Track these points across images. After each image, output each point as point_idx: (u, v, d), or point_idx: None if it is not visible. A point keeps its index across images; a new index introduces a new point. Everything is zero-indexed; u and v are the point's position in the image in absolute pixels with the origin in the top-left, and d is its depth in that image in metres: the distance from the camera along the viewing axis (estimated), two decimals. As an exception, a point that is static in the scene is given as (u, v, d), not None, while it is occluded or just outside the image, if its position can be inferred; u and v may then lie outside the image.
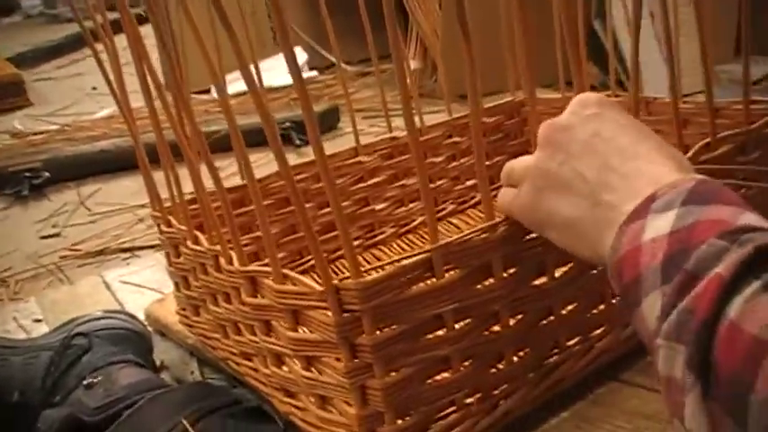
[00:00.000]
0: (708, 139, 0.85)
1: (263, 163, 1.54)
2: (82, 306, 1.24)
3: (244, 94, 2.05)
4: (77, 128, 2.45)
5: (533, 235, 0.74)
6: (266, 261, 0.73)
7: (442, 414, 0.75)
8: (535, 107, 0.75)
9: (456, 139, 1.29)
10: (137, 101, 0.91)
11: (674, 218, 0.51)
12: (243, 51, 0.61)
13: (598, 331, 0.84)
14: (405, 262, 0.66)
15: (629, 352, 0.87)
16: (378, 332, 0.66)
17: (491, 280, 0.73)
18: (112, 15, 0.84)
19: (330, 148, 1.21)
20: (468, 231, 0.70)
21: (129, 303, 1.24)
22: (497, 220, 0.71)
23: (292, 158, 1.68)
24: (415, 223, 1.27)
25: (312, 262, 1.16)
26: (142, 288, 1.30)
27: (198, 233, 0.89)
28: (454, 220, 1.29)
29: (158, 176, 0.95)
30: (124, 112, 0.92)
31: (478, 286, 0.72)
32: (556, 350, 0.81)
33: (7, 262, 1.56)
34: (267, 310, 0.76)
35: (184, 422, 0.79)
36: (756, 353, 0.41)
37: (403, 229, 1.26)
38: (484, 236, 0.70)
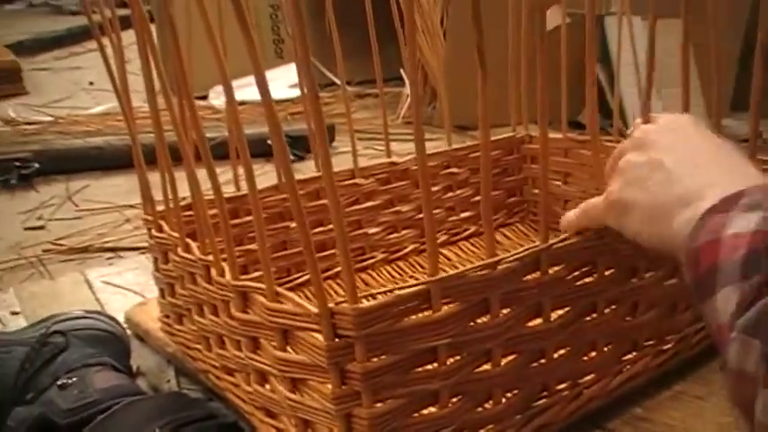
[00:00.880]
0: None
1: (256, 175, 1.52)
2: (61, 302, 1.22)
3: (241, 104, 2.04)
4: (71, 121, 2.43)
5: (533, 275, 0.74)
6: (256, 275, 0.72)
7: (427, 449, 0.73)
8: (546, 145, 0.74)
9: (454, 170, 1.28)
10: (136, 100, 0.90)
11: (760, 218, 0.51)
12: (256, 59, 0.60)
13: (587, 378, 0.83)
14: (402, 292, 0.65)
15: (617, 402, 0.87)
16: (369, 360, 0.65)
17: (487, 317, 0.71)
18: (121, 12, 0.83)
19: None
20: (469, 267, 0.68)
21: (110, 304, 1.22)
22: (499, 257, 0.70)
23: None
24: (406, 251, 1.25)
25: (300, 280, 1.15)
26: (124, 290, 1.28)
27: (190, 241, 0.87)
28: (445, 251, 1.28)
29: (152, 178, 0.94)
30: (125, 109, 0.90)
31: (474, 323, 0.71)
32: (545, 393, 0.80)
33: (-12, 249, 1.54)
34: (256, 326, 0.74)
35: (158, 432, 0.77)
36: None
37: (393, 256, 1.25)
38: (484, 272, 0.69)
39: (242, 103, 2.04)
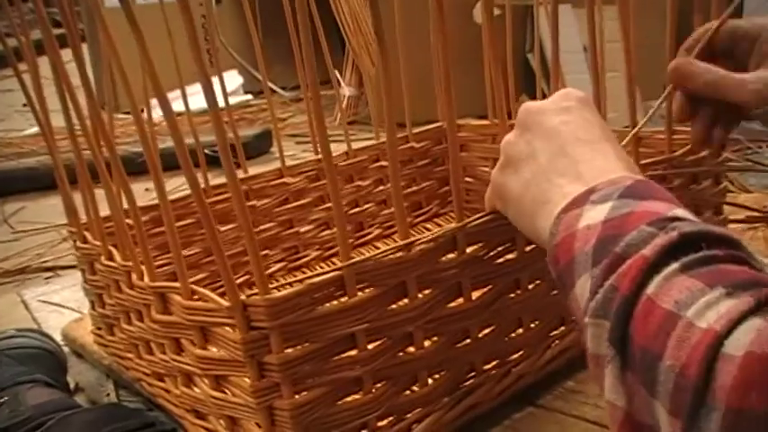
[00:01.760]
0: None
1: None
2: (-3, 324, 1.20)
3: (179, 115, 2.02)
4: (5, 144, 2.40)
5: (450, 256, 0.74)
6: (190, 281, 0.71)
7: (354, 437, 0.73)
8: (454, 132, 0.74)
9: (383, 163, 1.28)
10: (61, 120, 0.90)
11: (609, 208, 0.53)
12: (203, 71, 0.60)
13: (515, 356, 0.84)
14: (315, 279, 0.65)
15: (548, 377, 0.87)
16: (286, 351, 0.64)
17: (406, 300, 0.71)
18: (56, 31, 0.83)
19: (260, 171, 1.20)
20: (382, 250, 0.68)
21: (48, 323, 1.21)
22: (413, 238, 0.70)
23: (221, 181, 1.66)
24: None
25: (237, 281, 1.14)
26: (62, 308, 1.26)
27: (112, 248, 0.87)
28: (379, 244, 1.28)
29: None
30: (44, 128, 0.90)
31: (392, 306, 0.71)
32: (472, 374, 0.80)
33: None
34: (176, 327, 0.74)
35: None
36: (667, 325, 0.43)
37: (327, 253, 1.25)
38: (398, 255, 0.69)
39: (179, 114, 2.02)
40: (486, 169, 1.29)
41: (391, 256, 0.69)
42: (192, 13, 0.58)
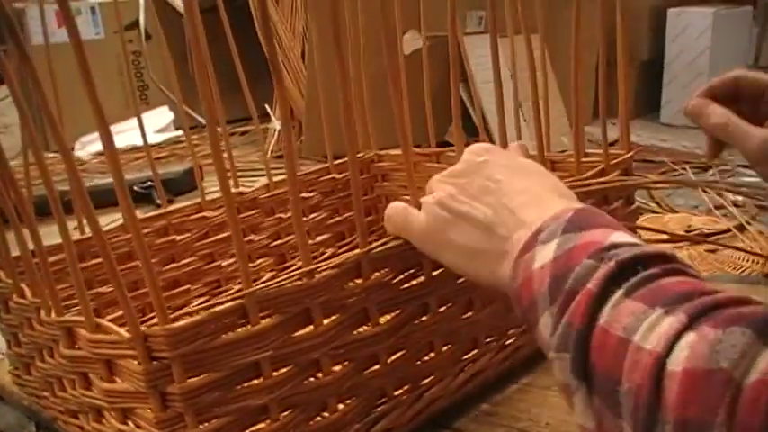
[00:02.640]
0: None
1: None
2: None
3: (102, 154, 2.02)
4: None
5: (357, 281, 0.74)
6: (110, 318, 0.71)
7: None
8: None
9: (304, 194, 1.28)
10: None
11: (555, 246, 0.58)
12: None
13: (427, 380, 0.84)
14: (217, 308, 0.65)
15: (462, 400, 0.88)
16: (188, 381, 0.65)
17: (311, 327, 0.72)
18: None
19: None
20: (284, 276, 0.69)
21: (-33, 365, 1.19)
22: (315, 265, 0.71)
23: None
24: (262, 279, 1.25)
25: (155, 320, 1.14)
26: (-18, 349, 1.25)
27: (24, 286, 0.86)
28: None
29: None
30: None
31: (297, 333, 0.71)
32: (383, 399, 0.81)
33: None
34: (83, 361, 0.74)
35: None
36: (620, 351, 0.48)
37: (251, 285, 1.24)
38: (301, 282, 0.70)
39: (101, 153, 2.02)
40: (407, 197, 1.30)
41: (294, 283, 0.70)
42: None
